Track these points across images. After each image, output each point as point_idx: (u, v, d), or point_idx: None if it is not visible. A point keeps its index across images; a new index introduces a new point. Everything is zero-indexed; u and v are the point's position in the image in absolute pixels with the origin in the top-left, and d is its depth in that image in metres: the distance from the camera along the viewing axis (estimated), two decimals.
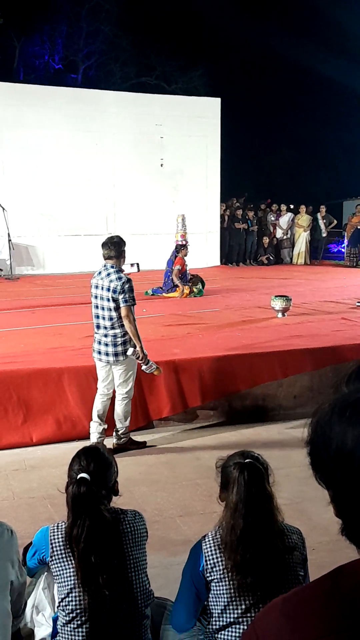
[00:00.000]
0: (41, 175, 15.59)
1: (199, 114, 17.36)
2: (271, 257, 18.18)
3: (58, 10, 23.08)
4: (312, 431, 1.01)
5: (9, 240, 14.40)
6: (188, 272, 11.28)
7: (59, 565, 2.49)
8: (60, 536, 2.52)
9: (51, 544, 2.52)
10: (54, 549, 2.51)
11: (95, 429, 5.44)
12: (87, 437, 5.56)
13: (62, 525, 2.54)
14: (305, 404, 6.50)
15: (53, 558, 2.51)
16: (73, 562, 2.45)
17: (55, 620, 2.58)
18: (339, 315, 9.03)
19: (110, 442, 5.49)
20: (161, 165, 17.08)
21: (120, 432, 5.47)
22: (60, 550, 2.50)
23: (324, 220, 18.83)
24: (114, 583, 2.42)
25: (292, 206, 19.04)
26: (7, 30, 22.34)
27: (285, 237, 18.63)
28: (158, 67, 25.30)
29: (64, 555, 2.49)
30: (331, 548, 3.56)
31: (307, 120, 31.44)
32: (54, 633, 2.57)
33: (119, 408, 5.41)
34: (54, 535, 2.54)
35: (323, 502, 1.05)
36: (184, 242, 11.52)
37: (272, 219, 18.77)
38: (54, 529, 2.56)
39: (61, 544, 2.50)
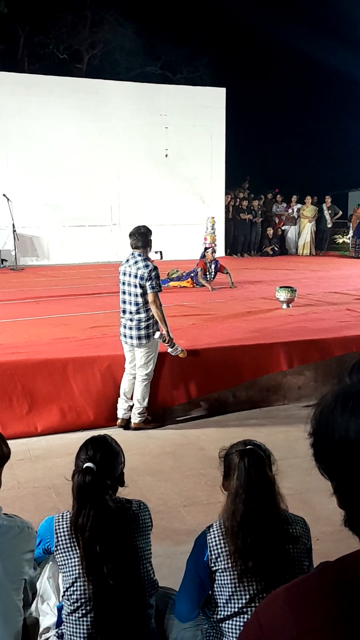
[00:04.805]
0: (46, 165, 15.57)
1: (204, 104, 17.28)
2: (276, 248, 18.13)
3: None
4: (315, 422, 1.01)
5: (14, 231, 14.40)
6: (212, 270, 11.30)
7: (64, 554, 2.50)
8: (65, 526, 2.52)
9: (56, 533, 2.53)
10: (59, 538, 2.52)
11: (121, 405, 5.80)
12: (92, 427, 5.61)
13: (66, 515, 2.55)
14: (309, 394, 6.51)
15: (58, 547, 2.52)
16: (78, 551, 2.45)
17: (60, 609, 2.59)
18: (343, 306, 9.02)
19: (117, 430, 5.53)
20: (166, 155, 17.03)
21: (138, 411, 5.72)
22: (65, 539, 2.50)
23: (329, 211, 18.75)
24: (118, 573, 2.42)
25: (297, 197, 18.97)
26: (11, 19, 22.21)
27: (291, 215, 18.50)
28: (163, 57, 25.13)
29: (68, 545, 2.49)
30: (335, 538, 3.56)
31: (313, 110, 31.29)
32: (59, 622, 2.58)
33: (139, 388, 5.70)
34: (58, 525, 2.54)
35: (327, 493, 1.06)
36: (207, 245, 11.98)
37: (278, 210, 18.72)
38: (58, 519, 2.57)
39: (66, 533, 2.51)
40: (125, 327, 5.65)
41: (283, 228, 18.69)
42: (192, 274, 11.35)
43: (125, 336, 5.66)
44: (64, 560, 2.50)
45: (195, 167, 17.29)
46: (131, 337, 5.59)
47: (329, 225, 19.04)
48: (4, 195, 14.39)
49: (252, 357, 6.47)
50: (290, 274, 13.17)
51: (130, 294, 5.56)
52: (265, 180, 24.34)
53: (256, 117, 29.92)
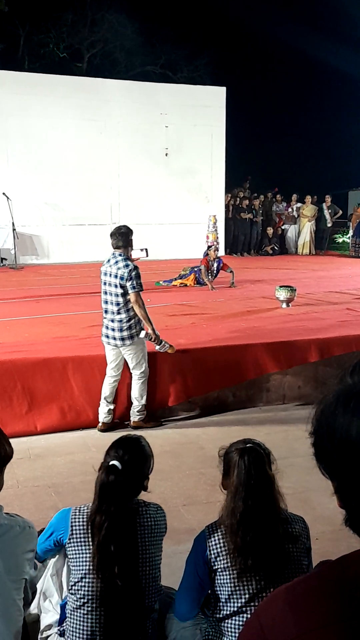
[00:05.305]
0: (46, 164, 15.55)
1: (204, 103, 17.26)
2: (276, 247, 18.12)
3: None
4: (316, 422, 1.01)
5: (14, 230, 14.39)
6: (215, 268, 11.30)
7: (76, 548, 2.49)
8: (81, 519, 2.51)
9: (72, 525, 2.52)
10: (74, 531, 2.51)
11: (102, 409, 5.72)
12: (92, 427, 5.62)
13: (84, 509, 2.54)
14: (309, 394, 6.51)
15: (71, 540, 2.51)
16: (91, 547, 2.44)
17: (63, 606, 2.59)
18: (343, 305, 9.02)
19: (113, 427, 5.53)
20: (166, 154, 17.02)
21: (137, 410, 5.73)
22: (80, 533, 2.49)
23: (329, 210, 18.72)
24: (127, 574, 2.42)
25: (297, 196, 18.96)
26: (12, 18, 22.20)
27: (290, 215, 18.49)
28: (163, 56, 25.12)
29: (82, 539, 2.48)
30: (334, 538, 3.56)
31: (313, 109, 31.30)
32: (62, 619, 2.57)
33: (136, 387, 5.70)
34: (75, 518, 2.53)
35: (327, 492, 1.06)
36: (209, 244, 12.14)
37: (277, 209, 18.71)
38: (75, 512, 2.55)
39: (82, 527, 2.50)
40: (107, 327, 5.62)
41: (283, 227, 18.68)
42: (196, 269, 11.39)
43: (107, 337, 5.62)
44: (76, 554, 2.49)
45: (195, 167, 17.28)
46: (114, 338, 5.55)
47: (329, 225, 19.01)
48: (3, 194, 14.37)
49: (252, 356, 6.46)
50: (290, 273, 13.15)
51: (111, 294, 5.54)
52: (266, 180, 24.33)
53: (256, 117, 29.94)
